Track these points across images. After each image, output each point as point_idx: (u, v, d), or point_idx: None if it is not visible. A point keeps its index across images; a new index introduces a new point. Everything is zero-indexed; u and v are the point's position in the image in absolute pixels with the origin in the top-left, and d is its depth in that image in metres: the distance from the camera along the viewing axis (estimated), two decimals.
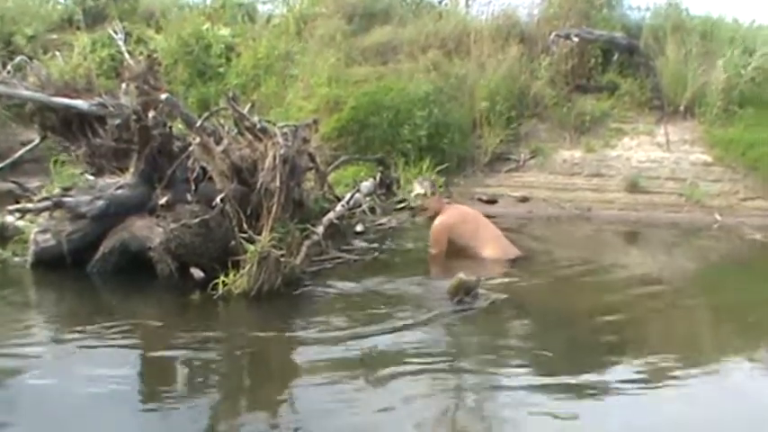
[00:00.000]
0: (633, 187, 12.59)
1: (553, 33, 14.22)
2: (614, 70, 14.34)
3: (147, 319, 6.71)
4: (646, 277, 8.49)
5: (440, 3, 17.12)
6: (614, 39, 14.16)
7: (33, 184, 9.93)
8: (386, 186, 11.70)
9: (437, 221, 8.90)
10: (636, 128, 13.69)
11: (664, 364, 5.71)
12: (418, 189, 9.23)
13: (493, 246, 8.78)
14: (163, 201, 7.51)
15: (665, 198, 12.47)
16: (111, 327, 6.23)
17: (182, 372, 5.40)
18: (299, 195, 8.21)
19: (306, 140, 8.32)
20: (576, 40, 14.03)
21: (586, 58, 14.32)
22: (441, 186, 11.85)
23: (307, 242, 7.74)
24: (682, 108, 13.65)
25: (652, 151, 13.21)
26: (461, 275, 6.90)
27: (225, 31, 16.16)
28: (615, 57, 14.31)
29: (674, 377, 5.48)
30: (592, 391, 5.19)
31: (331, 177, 10.54)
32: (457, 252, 8.69)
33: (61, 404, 4.78)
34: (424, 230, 9.36)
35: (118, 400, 4.83)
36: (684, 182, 12.51)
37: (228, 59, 15.62)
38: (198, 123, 7.52)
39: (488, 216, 9.42)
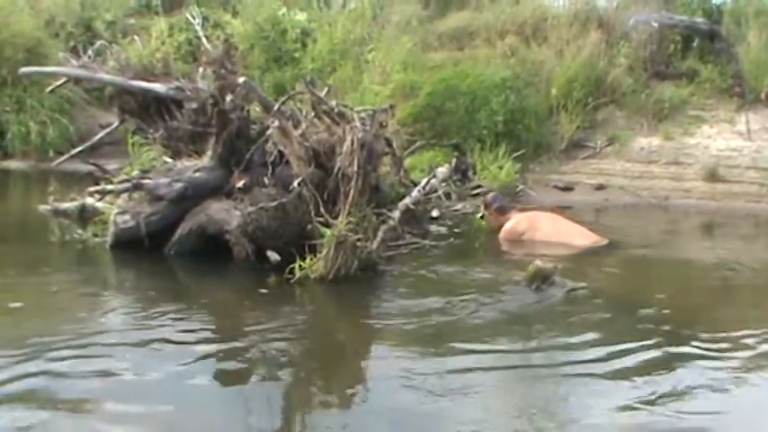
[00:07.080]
0: (712, 176, 12.33)
1: (633, 18, 14.00)
2: (694, 56, 14.07)
3: (224, 300, 6.81)
4: (723, 268, 8.29)
5: None
6: (695, 24, 13.90)
7: (112, 166, 10.03)
8: (461, 172, 11.70)
9: (503, 230, 8.96)
10: (716, 115, 13.39)
11: (737, 355, 5.56)
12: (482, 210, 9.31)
13: (581, 235, 8.77)
14: (240, 184, 7.54)
15: (745, 188, 12.19)
16: (188, 308, 6.31)
17: (257, 354, 5.41)
18: (376, 180, 8.21)
19: (383, 125, 8.31)
20: (655, 25, 13.81)
21: (666, 44, 14.09)
22: (516, 173, 11.85)
23: (383, 227, 7.71)
24: (763, 96, 13.30)
25: (732, 139, 12.91)
26: (538, 263, 6.85)
27: (301, 16, 16.23)
28: (695, 42, 14.05)
29: (748, 368, 5.35)
30: (660, 380, 5.07)
31: (407, 162, 10.52)
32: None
33: (138, 382, 4.82)
34: None
35: (195, 380, 4.87)
36: (765, 171, 12.20)
37: (304, 44, 15.68)
38: (276, 107, 7.55)
39: (564, 205, 9.34)
